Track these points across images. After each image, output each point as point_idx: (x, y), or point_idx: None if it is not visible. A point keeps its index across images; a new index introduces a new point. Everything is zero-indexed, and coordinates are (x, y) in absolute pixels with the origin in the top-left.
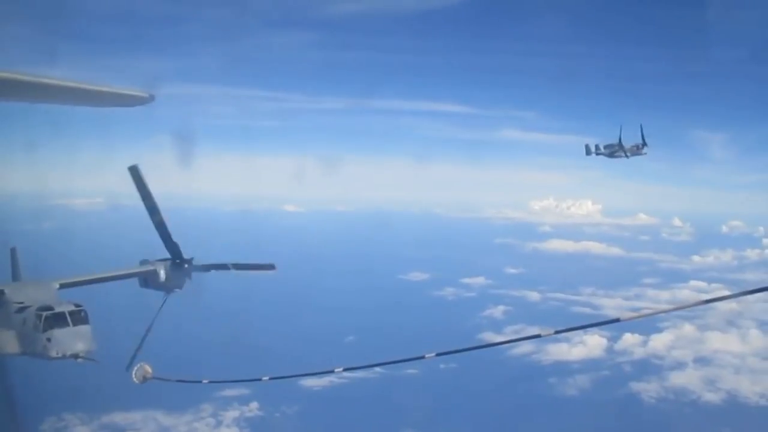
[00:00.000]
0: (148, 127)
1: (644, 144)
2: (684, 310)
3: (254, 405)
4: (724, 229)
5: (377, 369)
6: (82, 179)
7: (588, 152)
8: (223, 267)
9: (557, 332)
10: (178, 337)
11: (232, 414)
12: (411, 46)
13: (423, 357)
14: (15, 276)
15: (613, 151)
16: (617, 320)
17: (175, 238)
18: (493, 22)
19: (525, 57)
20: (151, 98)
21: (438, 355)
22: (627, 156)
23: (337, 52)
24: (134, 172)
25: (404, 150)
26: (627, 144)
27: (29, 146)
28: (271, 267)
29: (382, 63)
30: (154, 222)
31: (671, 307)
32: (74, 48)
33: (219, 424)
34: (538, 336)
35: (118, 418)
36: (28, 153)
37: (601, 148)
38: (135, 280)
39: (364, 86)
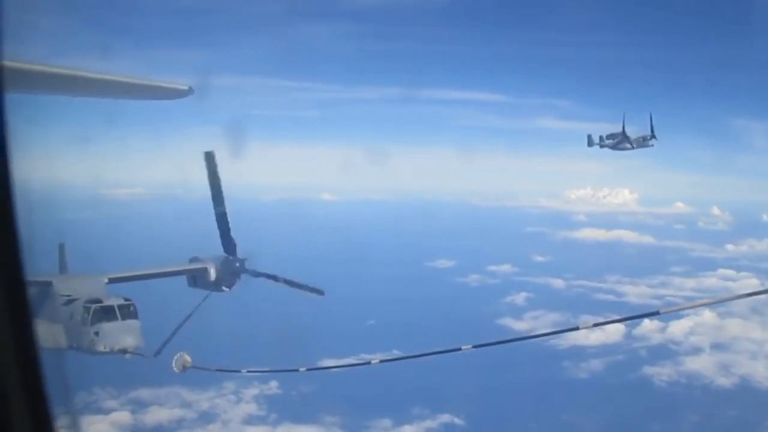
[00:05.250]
0: (187, 119)
1: (652, 135)
2: (706, 296)
3: (273, 384)
4: (765, 218)
5: (393, 351)
6: (126, 170)
7: (590, 143)
8: (273, 278)
9: (596, 325)
10: (204, 325)
11: (252, 392)
12: (446, 35)
13: (459, 349)
14: (62, 272)
15: (617, 142)
16: (657, 313)
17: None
18: (528, 11)
19: (560, 46)
20: (191, 91)
21: (475, 347)
22: (633, 147)
23: (372, 42)
24: (209, 157)
25: (440, 139)
26: (633, 134)
27: (71, 138)
28: (320, 292)
29: (418, 53)
30: (216, 213)
31: (710, 300)
32: (116, 41)
33: (239, 400)
34: (576, 329)
35: (144, 393)
36: (70, 145)
37: (605, 138)
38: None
39: (400, 76)
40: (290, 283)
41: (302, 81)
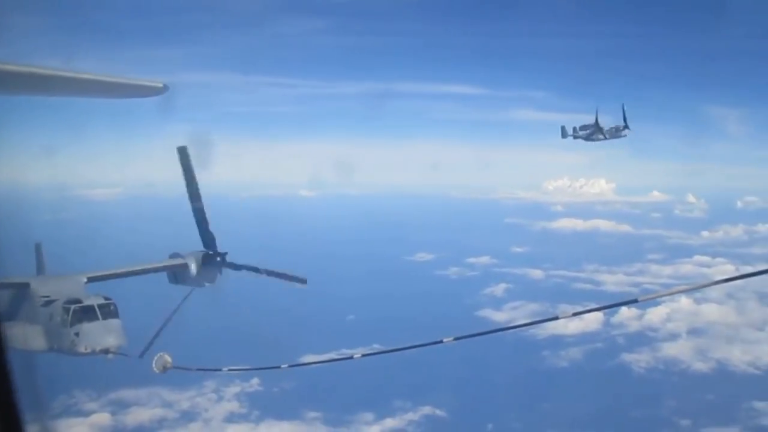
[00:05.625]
0: (163, 117)
1: (626, 126)
2: (682, 282)
3: (255, 381)
4: (739, 204)
5: (374, 346)
6: (101, 170)
7: (564, 135)
8: (254, 269)
9: (575, 314)
10: (185, 323)
11: (233, 390)
12: (420, 29)
13: (441, 341)
14: (39, 272)
15: (591, 133)
16: (635, 301)
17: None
18: (503, 4)
19: (534, 37)
20: (165, 89)
21: (456, 339)
22: (605, 138)
23: (347, 37)
24: (182, 153)
25: (417, 133)
26: (606, 125)
27: (47, 139)
28: (302, 281)
29: (393, 47)
30: (193, 208)
31: (686, 287)
32: (89, 40)
33: (220, 399)
34: (555, 318)
35: (125, 394)
36: (46, 146)
37: (578, 130)
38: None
39: (376, 71)
40: (272, 273)
41: (279, 77)
